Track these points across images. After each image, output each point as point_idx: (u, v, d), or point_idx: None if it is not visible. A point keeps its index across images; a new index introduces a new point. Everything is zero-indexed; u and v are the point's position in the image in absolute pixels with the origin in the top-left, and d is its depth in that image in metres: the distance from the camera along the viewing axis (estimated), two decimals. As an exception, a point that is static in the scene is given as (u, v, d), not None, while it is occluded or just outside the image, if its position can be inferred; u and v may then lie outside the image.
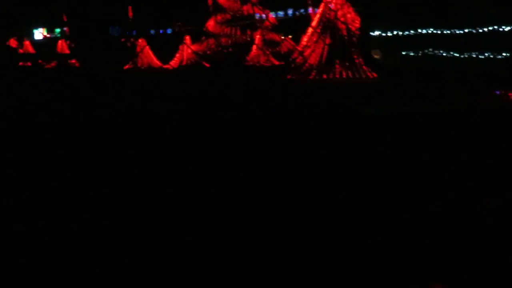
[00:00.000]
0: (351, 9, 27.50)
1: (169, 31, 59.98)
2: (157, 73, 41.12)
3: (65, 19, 60.01)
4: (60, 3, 65.06)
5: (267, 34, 45.09)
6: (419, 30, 27.33)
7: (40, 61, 55.00)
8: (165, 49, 45.88)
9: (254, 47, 42.36)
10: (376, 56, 22.83)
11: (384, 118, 11.75)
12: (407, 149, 8.06)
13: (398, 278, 3.75)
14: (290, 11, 50.54)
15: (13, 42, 63.67)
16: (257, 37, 42.63)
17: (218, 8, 48.75)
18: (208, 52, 46.89)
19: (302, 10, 47.75)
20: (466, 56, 25.19)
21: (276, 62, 40.67)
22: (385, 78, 23.72)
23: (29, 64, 56.39)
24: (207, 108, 14.66)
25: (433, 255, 4.05)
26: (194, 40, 46.92)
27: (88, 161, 8.02)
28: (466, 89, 16.28)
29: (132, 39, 56.18)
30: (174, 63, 44.61)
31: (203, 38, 48.36)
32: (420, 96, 16.13)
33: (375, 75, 25.37)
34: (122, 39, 60.48)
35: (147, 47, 46.78)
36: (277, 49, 44.58)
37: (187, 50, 44.89)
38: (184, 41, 44.94)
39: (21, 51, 59.70)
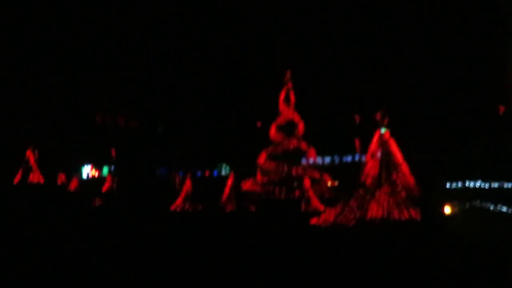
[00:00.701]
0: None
1: (215, 173, 61.03)
2: (199, 216, 40.78)
3: (114, 155, 61.55)
4: (109, 144, 67.30)
5: (310, 171, 45.76)
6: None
7: (86, 199, 55.65)
8: (209, 190, 46.13)
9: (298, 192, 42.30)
10: (448, 211, 22.45)
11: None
12: None
13: None
14: (337, 158, 51.24)
15: (60, 179, 65.24)
16: (305, 182, 42.60)
17: (269, 142, 50.26)
18: (257, 190, 47.23)
19: (349, 158, 48.35)
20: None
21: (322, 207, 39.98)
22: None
23: (75, 202, 57.06)
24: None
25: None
26: (238, 181, 47.09)
27: None
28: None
29: (178, 179, 56.86)
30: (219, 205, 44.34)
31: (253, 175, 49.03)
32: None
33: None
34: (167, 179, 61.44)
35: (190, 187, 46.86)
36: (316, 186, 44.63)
37: (232, 189, 44.70)
38: (228, 181, 44.91)
39: (69, 188, 60.80)
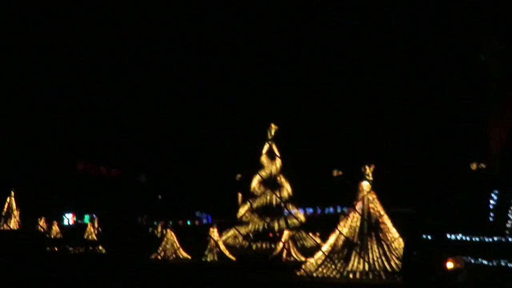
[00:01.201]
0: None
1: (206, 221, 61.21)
2: (181, 266, 40.78)
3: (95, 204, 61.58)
4: (90, 193, 67.37)
5: (295, 231, 46.06)
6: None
7: (67, 246, 55.32)
8: (193, 240, 46.13)
9: (280, 243, 42.27)
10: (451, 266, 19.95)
11: None
12: None
13: None
14: (319, 209, 51.95)
15: (42, 226, 64.71)
16: (285, 232, 42.72)
17: (250, 194, 50.70)
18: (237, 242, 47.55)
19: (331, 209, 49.02)
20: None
21: (302, 258, 40.18)
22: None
23: (56, 249, 56.66)
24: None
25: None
26: (221, 233, 47.36)
27: None
28: None
29: (159, 228, 56.94)
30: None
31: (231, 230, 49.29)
32: None
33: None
34: (149, 228, 61.47)
35: (174, 236, 46.88)
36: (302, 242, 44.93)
37: (214, 241, 44.78)
38: (211, 233, 44.98)
39: (50, 234, 60.35)
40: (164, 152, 78.32)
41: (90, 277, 28.14)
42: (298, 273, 27.72)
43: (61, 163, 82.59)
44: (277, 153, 51.09)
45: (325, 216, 49.72)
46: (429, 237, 24.30)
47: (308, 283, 24.38)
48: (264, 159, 50.91)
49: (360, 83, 58.85)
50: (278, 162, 50.70)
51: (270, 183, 50.12)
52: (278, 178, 50.23)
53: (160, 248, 46.48)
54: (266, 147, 51.32)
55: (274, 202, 49.36)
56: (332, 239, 28.81)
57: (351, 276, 25.87)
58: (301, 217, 49.89)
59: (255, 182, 50.52)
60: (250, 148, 54.69)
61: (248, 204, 50.22)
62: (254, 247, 46.63)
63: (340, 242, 27.95)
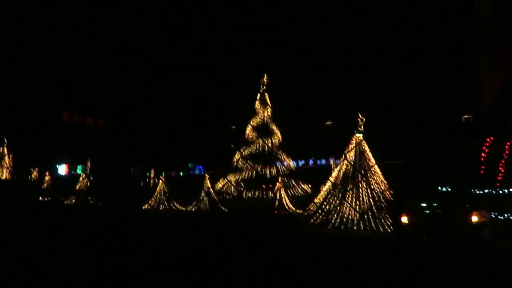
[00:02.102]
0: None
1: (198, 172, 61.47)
2: (173, 214, 41.10)
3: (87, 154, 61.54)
4: (83, 142, 67.33)
5: (287, 180, 46.36)
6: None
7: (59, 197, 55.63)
8: (185, 191, 46.35)
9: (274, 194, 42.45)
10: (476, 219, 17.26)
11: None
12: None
13: None
14: (311, 161, 51.97)
15: (35, 176, 64.94)
16: (278, 184, 42.86)
17: (244, 143, 50.95)
18: (228, 193, 47.80)
19: (323, 161, 49.13)
20: None
21: (293, 209, 40.39)
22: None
23: (48, 199, 57.03)
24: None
25: None
26: (214, 184, 47.58)
27: None
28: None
29: (152, 179, 57.11)
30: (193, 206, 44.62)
31: (224, 182, 49.59)
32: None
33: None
34: (141, 180, 61.66)
35: (166, 188, 47.10)
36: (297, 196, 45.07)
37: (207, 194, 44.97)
38: (205, 185, 45.12)
39: (42, 185, 60.56)
40: (157, 102, 78.00)
41: (82, 226, 28.28)
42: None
43: (50, 113, 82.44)
44: (269, 102, 51.25)
45: (317, 168, 49.71)
46: (448, 189, 21.87)
47: (300, 234, 24.41)
48: (257, 105, 51.13)
49: (353, 35, 58.28)
50: (270, 110, 50.94)
51: (262, 130, 50.43)
52: (270, 126, 50.48)
53: (152, 199, 46.77)
54: (258, 96, 51.37)
55: (266, 148, 49.64)
56: (325, 188, 29.06)
57: (342, 227, 26.04)
58: (291, 164, 50.05)
59: (249, 129, 50.86)
60: (244, 98, 54.61)
61: (241, 151, 50.33)
62: (245, 196, 46.84)
63: (333, 193, 28.19)
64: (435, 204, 18.36)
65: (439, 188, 19.83)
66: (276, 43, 69.55)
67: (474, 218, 16.97)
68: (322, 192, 29.37)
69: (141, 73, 79.27)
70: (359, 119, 28.08)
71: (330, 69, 58.98)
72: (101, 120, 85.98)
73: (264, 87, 51.90)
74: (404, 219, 18.25)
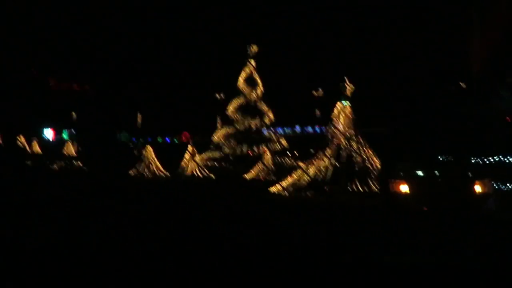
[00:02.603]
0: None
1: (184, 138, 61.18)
2: (160, 181, 41.20)
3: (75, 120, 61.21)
4: (70, 106, 66.94)
5: (273, 149, 46.15)
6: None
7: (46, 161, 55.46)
8: (171, 157, 46.30)
9: (260, 163, 42.36)
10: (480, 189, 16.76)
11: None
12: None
13: None
14: (297, 128, 51.79)
15: (21, 141, 64.58)
16: (263, 153, 42.86)
17: (227, 121, 50.08)
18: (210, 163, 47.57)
19: (309, 128, 49.10)
20: None
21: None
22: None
23: (35, 164, 56.81)
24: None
25: None
26: (200, 151, 47.54)
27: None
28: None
29: (139, 145, 56.97)
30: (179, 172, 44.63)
31: (209, 148, 49.40)
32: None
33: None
34: (130, 144, 61.46)
35: (153, 153, 47.02)
36: (283, 164, 45.02)
37: (191, 160, 45.02)
38: (188, 151, 45.11)
39: (28, 150, 60.30)
40: (143, 69, 77.60)
41: (69, 191, 28.34)
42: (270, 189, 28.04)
43: (37, 79, 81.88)
44: (257, 77, 49.61)
45: (304, 136, 49.61)
46: (450, 158, 21.16)
47: (285, 200, 24.47)
48: (242, 85, 49.51)
49: (341, 2, 58.05)
50: (259, 88, 49.40)
51: (250, 110, 49.26)
52: (259, 105, 49.24)
53: (139, 164, 46.73)
54: (245, 72, 49.87)
55: (253, 127, 48.66)
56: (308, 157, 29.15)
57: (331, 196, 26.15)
58: (284, 142, 49.15)
59: (232, 107, 49.46)
60: (231, 68, 53.82)
61: (226, 128, 49.37)
62: (231, 168, 46.61)
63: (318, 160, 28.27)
64: (437, 173, 17.69)
65: (439, 157, 19.28)
66: (263, 11, 69.16)
67: (477, 188, 16.44)
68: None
69: (128, 39, 78.64)
70: (346, 85, 28.10)
71: (319, 36, 58.76)
72: (87, 86, 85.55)
73: (252, 57, 50.39)
74: (404, 188, 17.55)
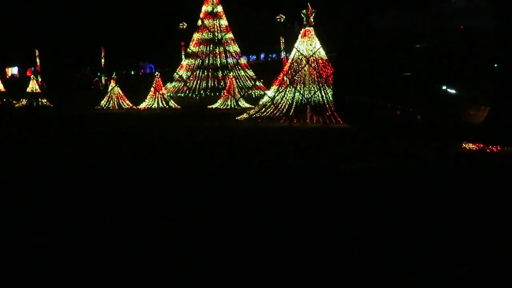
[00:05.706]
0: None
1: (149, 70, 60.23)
2: (126, 114, 40.91)
3: (37, 56, 60.01)
4: (33, 42, 65.31)
5: (238, 78, 46.20)
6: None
7: (10, 99, 54.68)
8: (136, 91, 46.07)
9: (225, 92, 42.44)
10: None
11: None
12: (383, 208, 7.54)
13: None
14: (262, 56, 51.59)
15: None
16: (228, 82, 42.89)
17: (190, 53, 49.68)
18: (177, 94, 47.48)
19: (274, 55, 48.91)
20: None
21: (247, 106, 40.62)
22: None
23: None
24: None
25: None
26: (165, 82, 47.39)
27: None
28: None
29: (103, 79, 56.41)
30: (144, 104, 44.47)
31: (174, 80, 49.14)
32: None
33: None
34: (94, 79, 60.73)
35: (118, 88, 46.67)
36: (249, 93, 45.14)
37: (157, 92, 44.82)
38: (155, 84, 44.86)
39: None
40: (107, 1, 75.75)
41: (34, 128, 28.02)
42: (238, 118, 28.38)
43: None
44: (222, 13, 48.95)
45: (268, 62, 49.41)
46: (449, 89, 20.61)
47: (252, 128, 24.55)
48: (204, 21, 48.85)
49: None
50: (223, 21, 48.79)
51: (214, 42, 48.73)
52: (224, 39, 48.73)
53: (105, 99, 46.45)
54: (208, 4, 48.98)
55: (218, 63, 48.23)
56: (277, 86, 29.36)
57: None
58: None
59: (195, 39, 48.96)
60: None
61: (191, 61, 48.84)
62: (198, 97, 46.56)
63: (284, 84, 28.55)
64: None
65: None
66: None
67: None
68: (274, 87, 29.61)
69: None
70: (308, 11, 28.18)
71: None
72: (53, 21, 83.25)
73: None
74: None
